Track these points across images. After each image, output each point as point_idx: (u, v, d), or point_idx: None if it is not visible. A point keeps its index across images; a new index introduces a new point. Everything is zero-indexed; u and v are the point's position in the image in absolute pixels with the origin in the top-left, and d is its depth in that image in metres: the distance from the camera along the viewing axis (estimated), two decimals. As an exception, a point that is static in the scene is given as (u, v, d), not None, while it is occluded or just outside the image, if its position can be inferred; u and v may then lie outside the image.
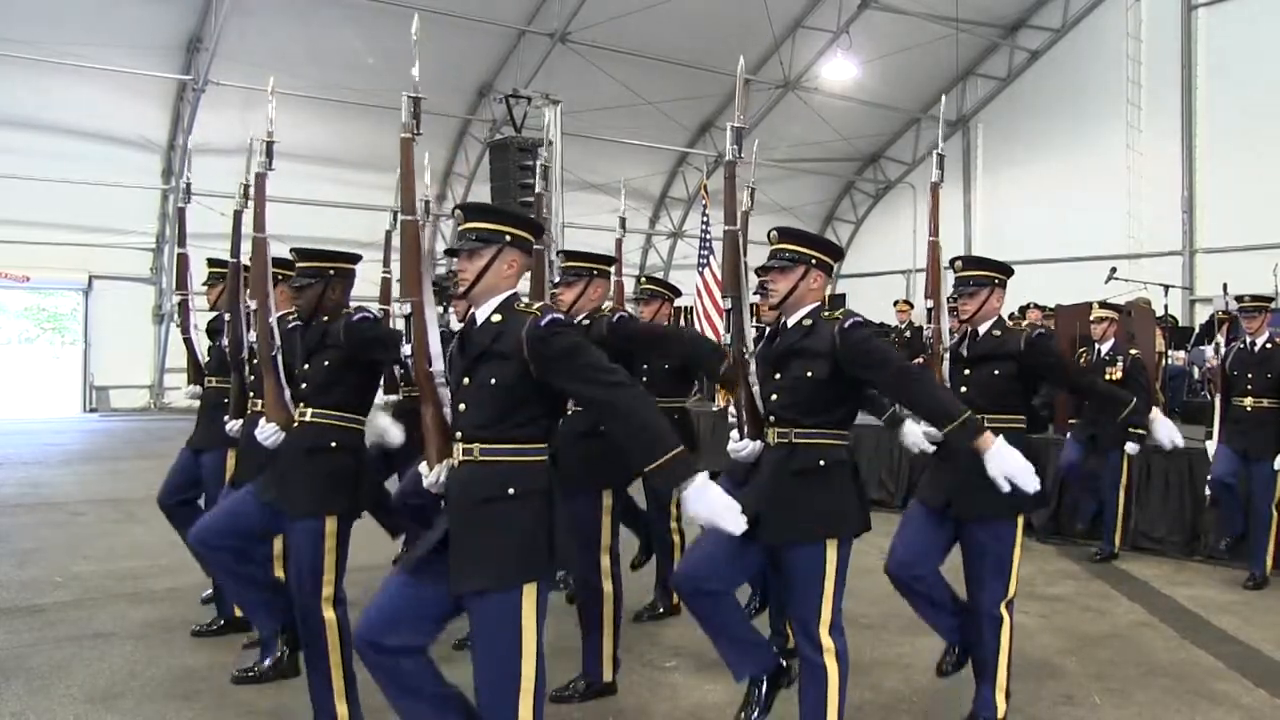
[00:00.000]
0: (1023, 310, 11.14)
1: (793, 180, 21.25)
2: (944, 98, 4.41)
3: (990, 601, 3.77)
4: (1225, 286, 6.60)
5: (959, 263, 4.05)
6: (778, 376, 3.27)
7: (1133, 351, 7.01)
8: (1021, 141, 19.69)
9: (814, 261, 3.26)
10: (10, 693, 4.11)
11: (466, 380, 2.79)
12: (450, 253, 2.86)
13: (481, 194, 15.90)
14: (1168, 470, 7.12)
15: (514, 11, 16.79)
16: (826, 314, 3.25)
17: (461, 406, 2.80)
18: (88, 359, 17.18)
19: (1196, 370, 10.42)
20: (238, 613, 4.82)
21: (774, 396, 3.27)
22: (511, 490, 2.68)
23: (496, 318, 2.77)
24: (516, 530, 2.67)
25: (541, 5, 16.72)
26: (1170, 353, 9.98)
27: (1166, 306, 9.17)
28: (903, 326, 11.56)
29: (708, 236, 9.26)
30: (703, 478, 2.60)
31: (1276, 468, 6.00)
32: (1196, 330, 11.69)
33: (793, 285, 3.25)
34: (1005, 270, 4.07)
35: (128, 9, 14.65)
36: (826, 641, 3.14)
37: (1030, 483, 3.05)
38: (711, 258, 9.14)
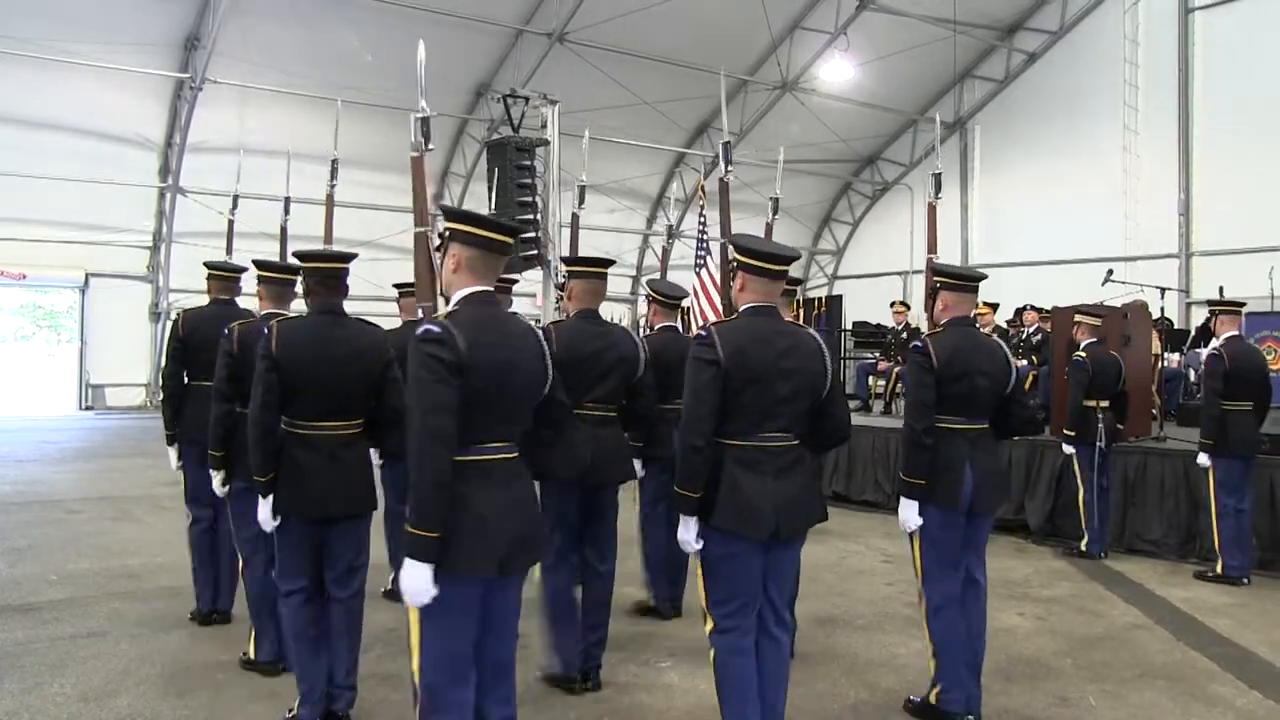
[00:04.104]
0: (1019, 312, 11.18)
1: (790, 181, 21.12)
2: (933, 105, 4.53)
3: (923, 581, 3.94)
4: (1221, 290, 6.63)
5: None
6: None
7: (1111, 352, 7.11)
8: (1019, 143, 19.68)
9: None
10: (5, 691, 4.10)
11: None
12: None
13: (479, 193, 15.88)
14: (1163, 473, 7.13)
15: (512, 11, 16.76)
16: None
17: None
18: (84, 357, 17.12)
19: (1193, 373, 10.45)
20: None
21: None
22: None
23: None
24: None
25: (539, 5, 16.69)
26: (1166, 355, 10.02)
27: (1163, 309, 9.18)
28: (899, 328, 11.59)
29: (704, 237, 9.28)
30: (414, 567, 2.56)
31: (1201, 464, 6.25)
32: (1193, 333, 11.71)
33: None
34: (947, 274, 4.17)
35: (126, 7, 14.61)
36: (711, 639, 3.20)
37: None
38: (708, 258, 9.14)
